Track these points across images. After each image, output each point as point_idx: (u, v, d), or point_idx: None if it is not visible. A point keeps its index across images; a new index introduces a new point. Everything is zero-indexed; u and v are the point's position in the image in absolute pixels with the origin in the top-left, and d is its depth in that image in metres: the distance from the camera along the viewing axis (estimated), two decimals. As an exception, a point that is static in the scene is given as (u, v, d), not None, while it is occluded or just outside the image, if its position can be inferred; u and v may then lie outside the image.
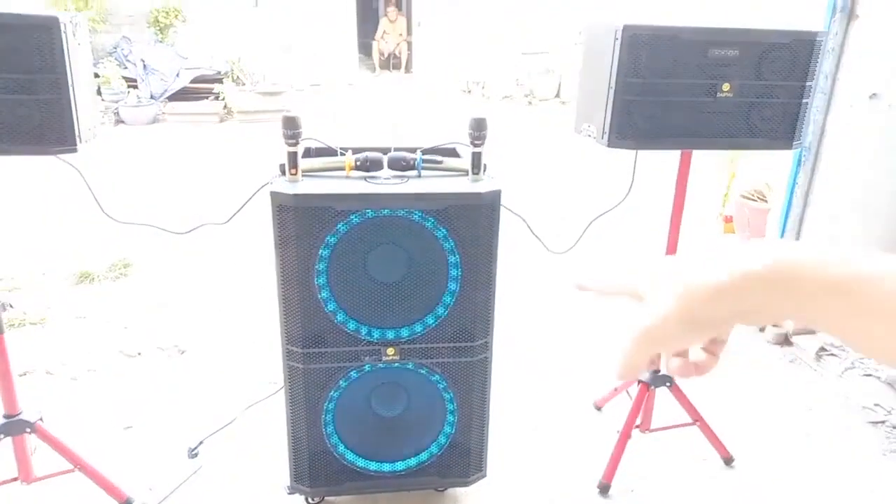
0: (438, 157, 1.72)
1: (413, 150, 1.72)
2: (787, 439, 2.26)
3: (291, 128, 1.56)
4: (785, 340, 2.84)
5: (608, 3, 7.67)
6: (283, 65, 8.97)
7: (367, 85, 10.71)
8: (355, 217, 1.55)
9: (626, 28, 1.56)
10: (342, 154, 1.69)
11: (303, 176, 1.62)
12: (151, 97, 8.05)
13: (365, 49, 11.89)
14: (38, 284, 3.38)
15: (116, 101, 7.84)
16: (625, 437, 1.99)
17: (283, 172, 1.61)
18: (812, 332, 2.79)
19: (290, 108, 8.36)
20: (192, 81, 8.28)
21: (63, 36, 1.42)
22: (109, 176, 5.44)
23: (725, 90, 1.63)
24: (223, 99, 8.11)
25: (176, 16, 8.43)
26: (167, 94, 8.13)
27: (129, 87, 7.94)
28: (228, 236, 3.46)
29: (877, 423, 2.32)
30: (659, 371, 0.51)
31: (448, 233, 1.60)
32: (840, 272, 0.38)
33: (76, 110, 1.48)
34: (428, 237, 1.60)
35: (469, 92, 9.89)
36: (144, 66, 8.11)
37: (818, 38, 1.63)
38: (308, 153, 1.90)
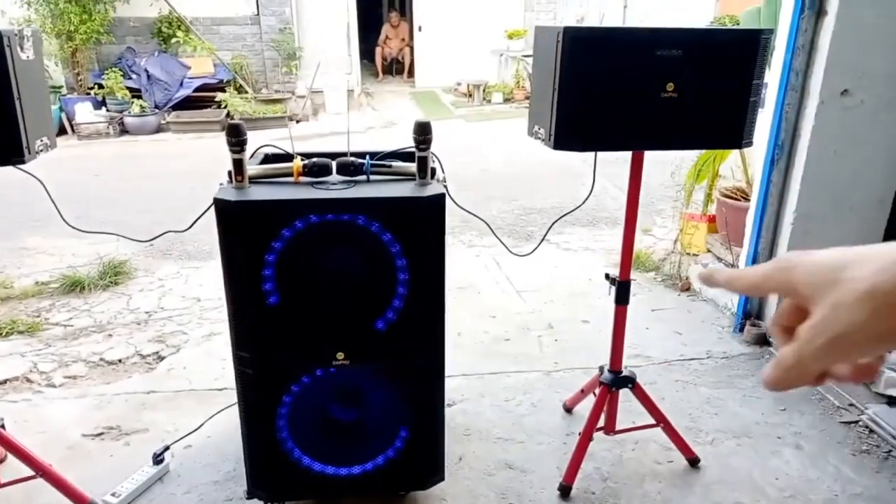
0: (388, 163, 1.74)
1: (364, 156, 1.73)
2: (756, 440, 2.24)
3: (236, 135, 1.57)
4: (763, 340, 2.81)
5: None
6: (286, 72, 9.04)
7: (368, 90, 10.76)
8: (299, 223, 1.56)
9: (566, 31, 1.57)
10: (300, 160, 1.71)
11: (251, 182, 1.64)
12: (156, 106, 8.16)
13: (369, 55, 11.96)
14: (30, 292, 3.44)
15: (121, 112, 7.96)
16: (585, 438, 1.98)
17: (231, 179, 1.63)
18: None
19: (291, 114, 8.44)
20: (196, 90, 8.38)
21: (7, 50, 1.45)
22: (106, 185, 5.54)
23: (670, 90, 1.62)
24: (225, 107, 8.19)
25: (179, 26, 8.53)
26: (171, 104, 8.24)
27: (132, 97, 8.05)
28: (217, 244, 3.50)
29: (850, 423, 2.29)
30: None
31: (394, 237, 1.60)
32: None
33: (24, 122, 1.51)
34: (374, 242, 1.61)
35: (469, 96, 9.90)
36: (148, 76, 8.22)
37: (763, 37, 1.62)
38: (266, 159, 1.93)
